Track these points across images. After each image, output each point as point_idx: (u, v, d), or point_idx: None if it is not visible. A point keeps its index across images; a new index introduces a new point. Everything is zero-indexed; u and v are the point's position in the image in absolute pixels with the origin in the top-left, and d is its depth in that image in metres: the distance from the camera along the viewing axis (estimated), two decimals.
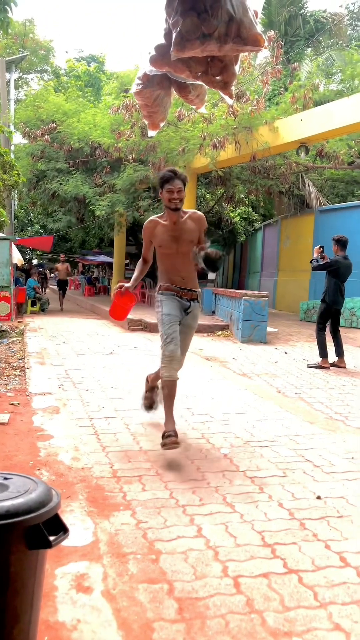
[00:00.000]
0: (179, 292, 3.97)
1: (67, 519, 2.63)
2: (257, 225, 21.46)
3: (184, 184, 3.75)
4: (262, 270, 20.64)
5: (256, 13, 1.61)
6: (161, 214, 3.96)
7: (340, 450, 3.93)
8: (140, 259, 4.16)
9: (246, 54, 11.01)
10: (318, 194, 17.19)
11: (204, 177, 15.97)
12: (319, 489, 3.17)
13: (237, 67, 1.75)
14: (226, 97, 1.79)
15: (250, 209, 20.59)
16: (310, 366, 7.51)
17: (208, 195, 18.45)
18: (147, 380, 4.45)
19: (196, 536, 2.55)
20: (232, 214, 20.32)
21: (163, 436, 3.60)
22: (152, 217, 3.98)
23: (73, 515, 2.71)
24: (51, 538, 1.53)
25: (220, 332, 11.08)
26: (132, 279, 4.11)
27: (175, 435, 3.58)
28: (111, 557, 2.34)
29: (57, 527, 1.58)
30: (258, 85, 13.66)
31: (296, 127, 12.08)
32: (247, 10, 1.59)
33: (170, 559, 2.33)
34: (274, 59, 12.89)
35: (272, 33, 13.13)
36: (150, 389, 4.41)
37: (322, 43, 24.00)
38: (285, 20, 22.48)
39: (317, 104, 13.44)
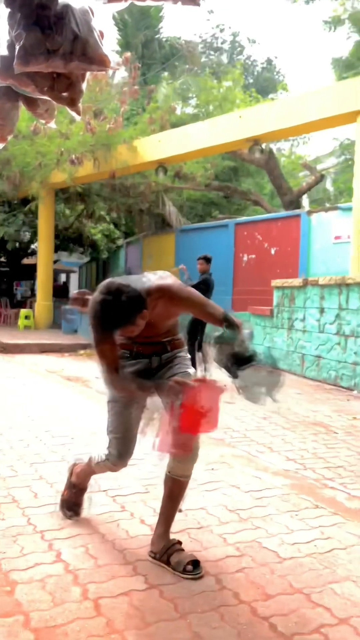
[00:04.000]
0: (132, 348, 2.58)
1: None
2: (119, 242, 21.59)
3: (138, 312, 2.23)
4: None
5: (102, 34, 1.63)
6: None
7: (201, 462, 4.02)
8: (103, 367, 2.41)
9: (104, 72, 11.13)
10: (178, 214, 17.72)
11: (62, 192, 15.78)
12: None
13: (84, 85, 1.76)
14: (73, 114, 1.80)
15: (111, 226, 20.69)
16: None
17: (67, 211, 18.24)
18: (71, 472, 3.01)
19: (55, 561, 2.46)
20: (93, 231, 20.26)
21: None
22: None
23: None
24: None
25: (82, 351, 10.93)
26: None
27: None
28: None
29: None
30: (116, 104, 13.83)
31: (154, 147, 12.39)
32: (92, 31, 1.61)
33: (26, 589, 2.23)
34: (131, 79, 13.16)
35: (128, 54, 13.40)
36: (76, 487, 2.97)
37: (178, 68, 24.97)
38: (142, 43, 23.08)
39: (174, 126, 13.90)
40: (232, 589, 2.30)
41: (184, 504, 3.15)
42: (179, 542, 2.55)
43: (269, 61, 34.22)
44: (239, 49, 33.93)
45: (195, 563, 2.42)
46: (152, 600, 2.20)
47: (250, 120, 10.47)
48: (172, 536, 2.59)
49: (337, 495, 3.44)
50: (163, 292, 2.37)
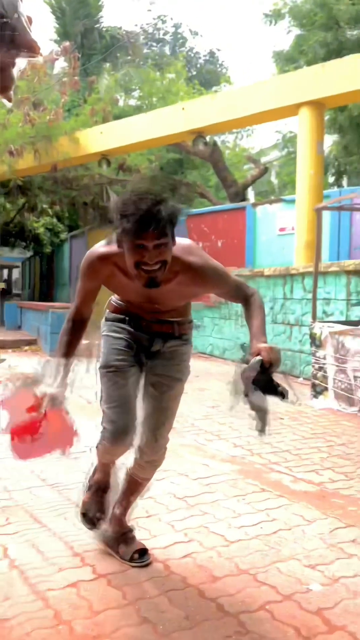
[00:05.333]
0: (137, 319, 2.30)
1: None
2: (63, 236, 21.27)
3: (172, 227, 1.91)
4: (71, 281, 20.51)
5: (30, 19, 1.61)
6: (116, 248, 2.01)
7: None
8: (71, 315, 2.35)
9: (39, 61, 10.92)
10: None
11: (2, 185, 15.39)
12: None
13: (15, 72, 1.74)
14: (5, 101, 1.77)
15: (55, 220, 20.35)
16: None
17: (8, 205, 17.80)
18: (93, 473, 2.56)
19: (1, 558, 2.43)
20: (35, 224, 19.88)
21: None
22: (102, 251, 2.17)
23: None
24: None
25: (27, 347, 10.78)
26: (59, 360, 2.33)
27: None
28: None
29: None
30: (56, 95, 13.59)
31: (97, 139, 12.26)
32: (20, 16, 1.58)
33: None
34: (71, 69, 12.95)
35: (67, 44, 13.18)
36: (99, 488, 2.52)
37: (120, 59, 24.72)
38: (81, 32, 22.72)
39: (116, 118, 13.79)
40: (180, 573, 2.33)
41: None
42: (131, 530, 2.52)
43: (212, 54, 34.33)
44: (181, 40, 33.89)
45: (143, 552, 2.43)
46: (100, 589, 2.20)
47: (193, 113, 10.49)
48: None
49: (282, 478, 3.53)
50: (186, 269, 2.04)
